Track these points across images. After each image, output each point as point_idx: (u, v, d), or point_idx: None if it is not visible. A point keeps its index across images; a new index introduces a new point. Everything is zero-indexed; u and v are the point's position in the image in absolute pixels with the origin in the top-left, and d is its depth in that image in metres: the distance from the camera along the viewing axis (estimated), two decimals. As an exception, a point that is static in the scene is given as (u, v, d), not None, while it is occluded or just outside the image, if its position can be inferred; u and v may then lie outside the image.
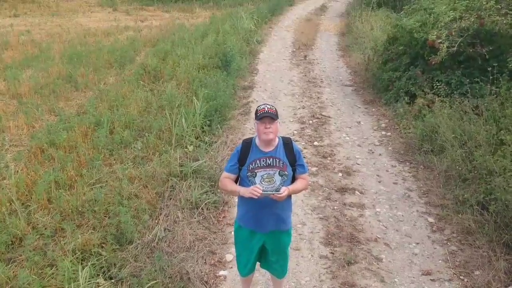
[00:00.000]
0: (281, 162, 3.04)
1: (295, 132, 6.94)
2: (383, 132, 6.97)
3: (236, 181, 3.16)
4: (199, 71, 9.63)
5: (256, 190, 2.88)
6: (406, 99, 7.59)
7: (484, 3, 7.24)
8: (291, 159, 3.09)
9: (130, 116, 7.08)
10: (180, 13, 20.65)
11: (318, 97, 8.53)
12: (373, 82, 8.92)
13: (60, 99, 8.66)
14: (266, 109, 2.98)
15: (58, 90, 8.95)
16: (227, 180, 3.13)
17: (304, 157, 5.92)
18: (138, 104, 7.80)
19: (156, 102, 7.84)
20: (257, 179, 3.00)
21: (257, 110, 3.04)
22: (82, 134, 6.60)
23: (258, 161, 3.02)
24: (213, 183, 5.21)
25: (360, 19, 14.90)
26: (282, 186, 2.99)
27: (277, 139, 3.10)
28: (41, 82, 9.49)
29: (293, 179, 3.13)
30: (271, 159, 3.03)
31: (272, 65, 10.89)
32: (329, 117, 7.56)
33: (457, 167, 5.27)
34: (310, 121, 7.34)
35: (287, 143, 3.13)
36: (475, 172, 5.05)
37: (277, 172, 3.02)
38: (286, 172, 3.04)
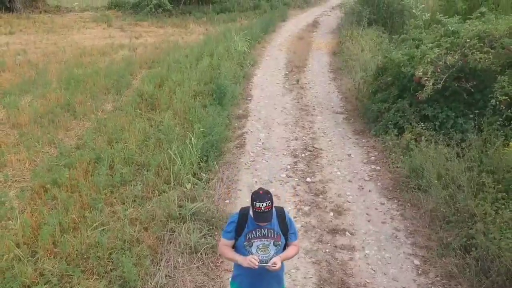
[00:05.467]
0: (275, 233, 3.30)
1: (288, 167, 7.23)
2: (373, 166, 7.27)
3: (233, 246, 3.42)
4: (194, 99, 9.94)
5: (253, 261, 3.16)
6: (394, 131, 7.90)
7: (468, 40, 7.62)
8: (284, 229, 3.35)
9: (129, 151, 7.33)
10: (174, 29, 20.90)
11: (310, 127, 8.83)
12: (363, 111, 9.23)
13: (59, 128, 8.88)
14: (262, 208, 3.08)
15: (57, 120, 9.17)
16: (225, 247, 3.40)
17: (299, 201, 6.21)
18: (136, 136, 8.06)
19: (153, 134, 8.10)
20: (253, 249, 3.27)
21: (253, 202, 3.14)
22: (83, 171, 6.84)
23: (254, 231, 3.29)
24: (211, 226, 5.48)
25: (351, 39, 15.26)
26: (276, 255, 3.27)
27: None
28: (40, 110, 9.69)
29: (285, 246, 3.41)
30: (266, 230, 3.29)
31: (266, 90, 11.18)
32: (321, 149, 7.86)
33: (442, 209, 5.57)
34: (303, 154, 7.63)
35: (280, 214, 3.39)
36: (458, 215, 5.36)
37: (272, 243, 3.29)
38: (280, 242, 3.31)
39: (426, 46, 8.02)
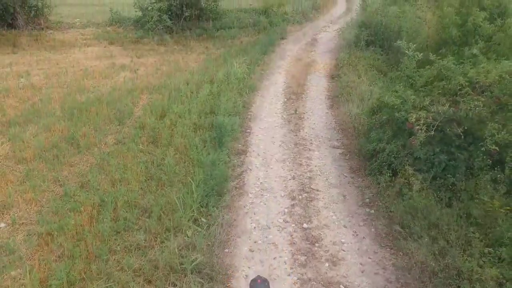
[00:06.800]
0: None
1: (286, 210, 7.49)
2: (367, 209, 7.54)
3: None
4: (195, 132, 10.25)
5: None
6: (389, 172, 8.16)
7: (459, 87, 7.91)
8: None
9: (131, 195, 7.61)
10: (174, 47, 21.17)
11: (307, 164, 9.10)
12: (359, 147, 9.51)
13: (64, 164, 9.15)
14: None
15: (61, 156, 9.45)
16: None
17: (296, 249, 6.44)
18: (139, 175, 8.34)
19: (155, 173, 8.38)
20: None
21: None
22: (88, 215, 7.12)
23: None
24: (211, 280, 5.75)
25: (348, 63, 15.55)
26: None
27: None
28: (44, 144, 9.97)
29: None
30: None
31: (264, 121, 11.45)
32: (318, 190, 8.13)
33: (431, 263, 5.84)
34: (300, 196, 7.90)
35: None
36: (446, 271, 5.63)
37: None
38: None
39: (419, 94, 8.29)
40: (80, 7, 29.76)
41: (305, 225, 7.09)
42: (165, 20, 22.83)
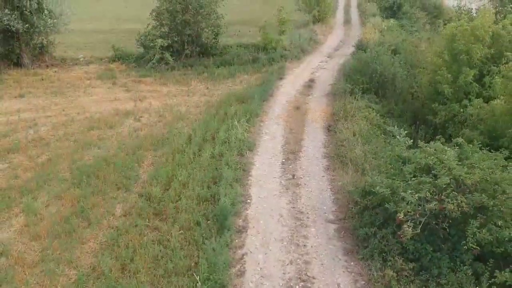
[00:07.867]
0: None
1: (284, 304, 8.14)
2: (359, 301, 8.19)
3: None
4: (199, 204, 10.92)
5: None
6: (380, 260, 8.82)
7: (443, 186, 8.58)
8: None
9: (141, 286, 8.24)
10: (176, 87, 21.84)
11: (304, 245, 9.71)
12: (352, 226, 10.15)
13: (76, 243, 9.78)
14: None
15: (73, 231, 10.09)
16: None
17: None
18: (147, 262, 8.97)
19: (162, 258, 9.03)
20: None
21: None
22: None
23: None
24: None
25: (344, 117, 16.24)
26: None
27: None
28: (57, 218, 10.62)
29: None
30: None
31: (264, 188, 12.06)
32: (314, 278, 8.74)
33: None
34: (297, 286, 8.52)
35: None
36: None
37: None
38: None
39: (407, 187, 8.95)
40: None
41: (301, 324, 7.72)
42: (168, 58, 23.54)
